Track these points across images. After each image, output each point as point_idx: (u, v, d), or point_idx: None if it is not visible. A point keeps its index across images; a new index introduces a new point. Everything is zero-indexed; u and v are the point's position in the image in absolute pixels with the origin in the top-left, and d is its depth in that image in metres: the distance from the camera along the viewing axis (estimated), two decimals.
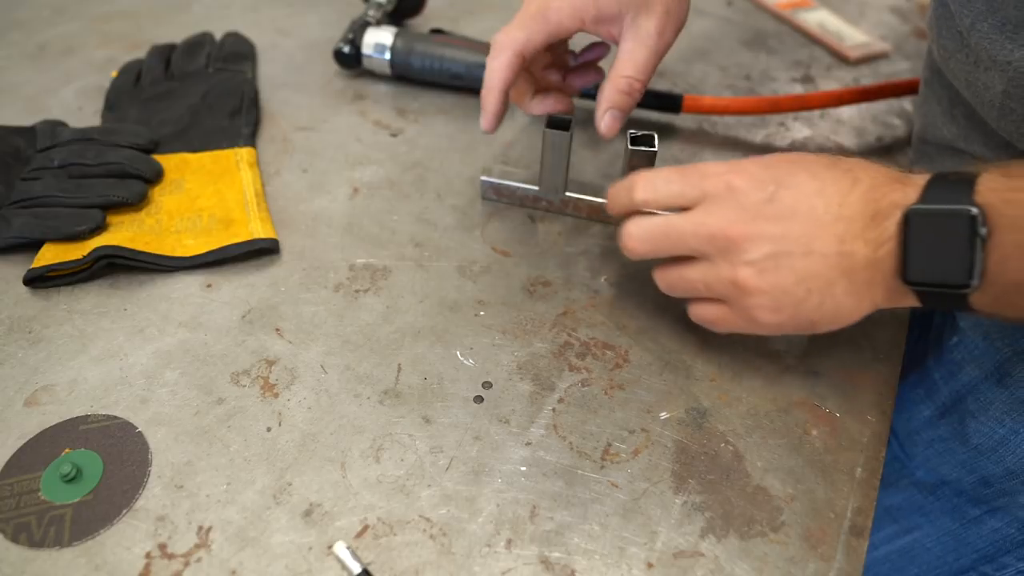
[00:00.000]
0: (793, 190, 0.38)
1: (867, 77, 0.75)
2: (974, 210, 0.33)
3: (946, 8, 0.46)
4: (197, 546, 0.36)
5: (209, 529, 0.36)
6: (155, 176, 0.53)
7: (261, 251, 0.50)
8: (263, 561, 0.35)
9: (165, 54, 0.66)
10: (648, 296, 0.49)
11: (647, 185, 0.42)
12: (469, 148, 0.61)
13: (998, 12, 0.40)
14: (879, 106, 0.70)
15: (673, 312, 0.48)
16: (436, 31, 0.69)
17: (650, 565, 0.36)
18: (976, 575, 0.52)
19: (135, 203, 0.51)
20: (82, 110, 0.62)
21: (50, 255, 0.47)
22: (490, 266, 0.51)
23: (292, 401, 0.42)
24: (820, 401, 0.44)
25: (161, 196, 0.53)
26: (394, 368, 0.44)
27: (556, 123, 0.50)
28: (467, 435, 0.41)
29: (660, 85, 0.68)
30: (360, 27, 0.66)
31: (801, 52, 0.78)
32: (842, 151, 0.64)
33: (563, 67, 0.54)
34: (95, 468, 0.38)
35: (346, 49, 0.65)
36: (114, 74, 0.64)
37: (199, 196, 0.53)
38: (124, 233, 0.49)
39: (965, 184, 0.34)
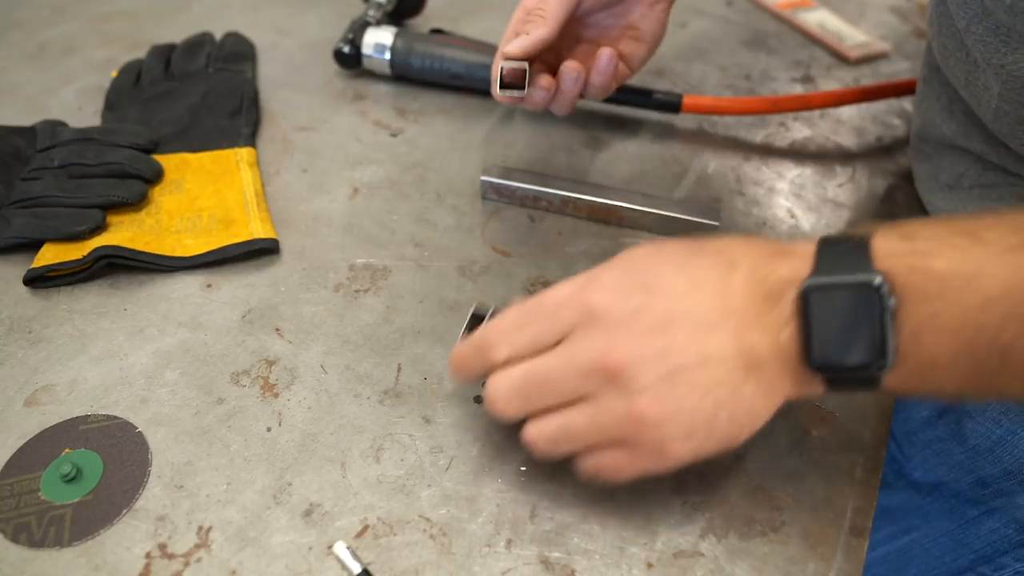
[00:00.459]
0: (663, 292, 0.33)
1: (867, 77, 0.75)
2: (877, 279, 0.29)
3: (946, 7, 0.46)
4: (197, 546, 0.36)
5: (209, 529, 0.36)
6: (155, 176, 0.53)
7: (261, 251, 0.50)
8: (263, 561, 0.35)
9: (165, 54, 0.66)
10: None
11: (500, 340, 0.35)
12: (469, 148, 0.61)
13: (991, 16, 0.40)
14: (879, 106, 0.70)
15: None
16: (436, 31, 0.69)
17: (650, 565, 0.36)
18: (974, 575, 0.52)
19: (135, 203, 0.51)
20: (82, 110, 0.62)
21: (50, 255, 0.47)
22: (490, 266, 0.51)
23: (292, 401, 0.42)
24: (820, 401, 0.44)
25: (161, 196, 0.53)
26: (394, 368, 0.44)
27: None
28: (467, 435, 0.41)
29: (660, 85, 0.68)
30: (360, 27, 0.66)
31: (801, 52, 0.78)
32: (842, 151, 0.64)
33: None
34: (95, 468, 0.38)
35: (346, 49, 0.65)
36: (114, 74, 0.64)
37: (199, 196, 0.53)
38: (124, 233, 0.49)
39: (859, 250, 0.30)
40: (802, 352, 0.31)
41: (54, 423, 0.40)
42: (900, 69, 0.76)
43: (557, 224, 0.55)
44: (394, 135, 0.62)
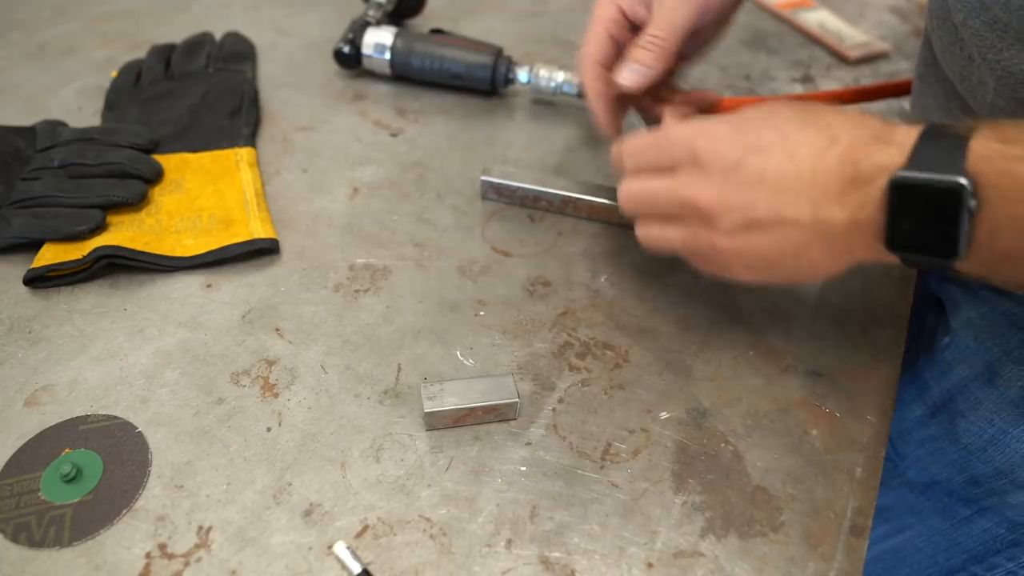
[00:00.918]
0: (761, 155, 0.37)
1: (867, 77, 0.75)
2: (964, 181, 0.31)
3: (943, 0, 0.46)
4: (197, 546, 0.36)
5: (209, 529, 0.36)
6: (155, 176, 0.53)
7: (261, 251, 0.50)
8: (263, 561, 0.35)
9: (165, 54, 0.66)
10: (648, 296, 0.49)
11: (629, 156, 0.44)
12: (469, 148, 0.61)
13: (988, 10, 0.40)
14: (879, 106, 0.70)
15: (673, 312, 0.48)
16: (436, 31, 0.69)
17: (650, 565, 0.36)
18: (966, 575, 0.52)
19: (135, 203, 0.51)
20: (82, 110, 0.62)
21: (50, 255, 0.47)
22: (490, 266, 0.51)
23: (292, 401, 0.42)
24: (820, 401, 0.44)
25: (161, 196, 0.53)
26: (394, 368, 0.44)
27: None
28: (467, 435, 0.41)
29: None
30: (360, 27, 0.66)
31: (801, 52, 0.78)
32: None
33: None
34: (95, 468, 0.38)
35: (346, 49, 0.65)
36: (114, 74, 0.64)
37: (199, 196, 0.53)
38: (124, 233, 0.49)
39: (956, 148, 0.32)
40: (880, 233, 0.34)
41: (54, 423, 0.40)
42: (900, 69, 0.76)
43: (557, 224, 0.55)
44: (394, 135, 0.62)
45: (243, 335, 0.45)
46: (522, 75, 0.64)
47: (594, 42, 0.51)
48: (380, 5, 0.69)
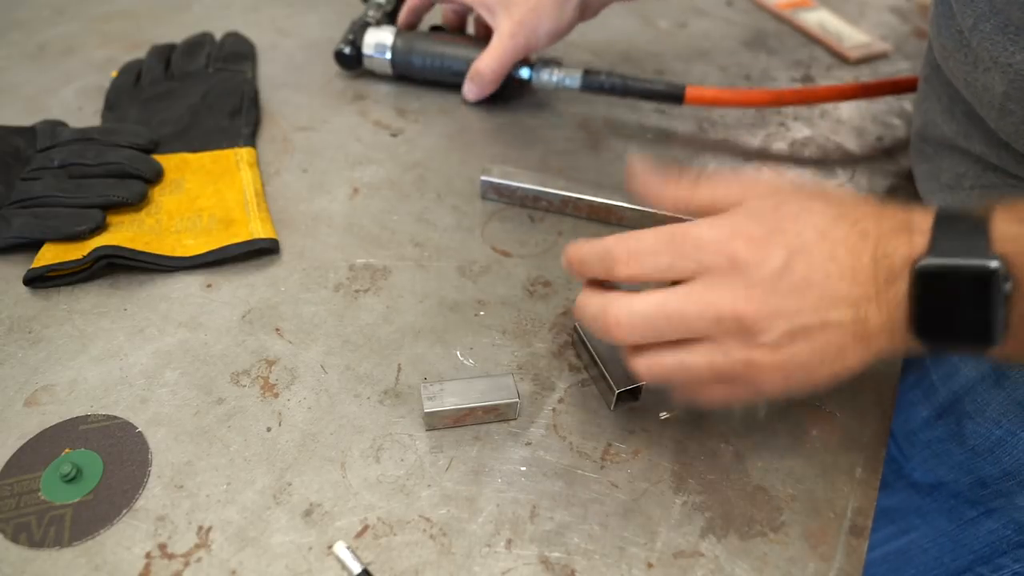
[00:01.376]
0: (805, 256, 0.33)
1: (867, 77, 0.75)
2: (995, 264, 0.30)
3: (947, 7, 0.46)
4: (197, 546, 0.36)
5: (209, 529, 0.36)
6: (155, 176, 0.53)
7: (261, 251, 0.50)
8: (263, 561, 0.35)
9: (165, 54, 0.66)
10: None
11: (630, 259, 0.35)
12: (469, 148, 0.61)
13: (1001, 13, 0.40)
14: (879, 106, 0.70)
15: None
16: (436, 28, 0.69)
17: (650, 565, 0.36)
18: None
19: (135, 203, 0.51)
20: (82, 110, 0.62)
21: (50, 255, 0.47)
22: (490, 266, 0.51)
23: (292, 401, 0.42)
24: (820, 401, 0.44)
25: (161, 196, 0.53)
26: (394, 368, 0.44)
27: None
28: (467, 435, 0.41)
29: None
30: (360, 28, 0.66)
31: (801, 52, 0.78)
32: (842, 151, 0.64)
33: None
34: (95, 468, 0.38)
35: (347, 50, 0.65)
36: (114, 74, 0.64)
37: (199, 196, 0.53)
38: (124, 233, 0.49)
39: (978, 232, 0.31)
40: (911, 325, 0.32)
41: (54, 423, 0.40)
42: (900, 69, 0.76)
43: (557, 224, 0.55)
44: (394, 135, 0.62)
45: (243, 335, 0.45)
46: (523, 71, 0.64)
47: None
48: (380, 5, 0.69)
